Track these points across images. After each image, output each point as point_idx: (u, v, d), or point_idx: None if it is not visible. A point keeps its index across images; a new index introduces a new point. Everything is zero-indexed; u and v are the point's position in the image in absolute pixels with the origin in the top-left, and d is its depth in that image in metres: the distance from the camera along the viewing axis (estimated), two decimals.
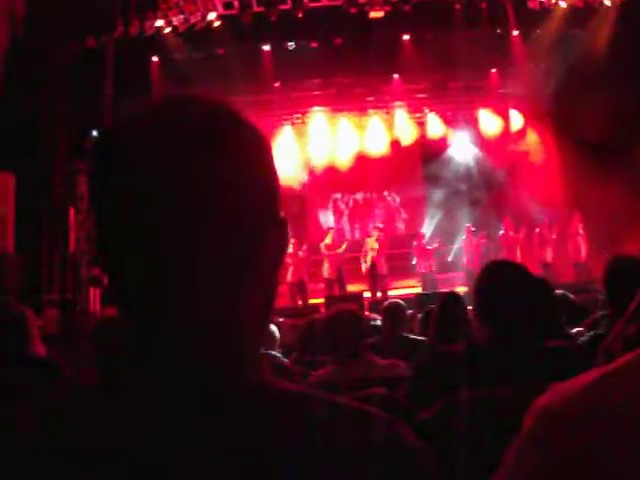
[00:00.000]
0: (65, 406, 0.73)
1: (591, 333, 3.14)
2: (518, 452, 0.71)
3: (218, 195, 0.69)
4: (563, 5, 13.09)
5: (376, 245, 13.47)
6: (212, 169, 0.69)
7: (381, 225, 14.95)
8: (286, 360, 4.28)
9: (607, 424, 0.65)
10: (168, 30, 12.75)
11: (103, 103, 11.63)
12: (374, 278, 13.42)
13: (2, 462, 0.68)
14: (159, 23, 12.48)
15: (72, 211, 10.91)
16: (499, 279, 2.39)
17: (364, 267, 13.51)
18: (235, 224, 0.71)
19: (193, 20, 12.69)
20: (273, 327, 4.58)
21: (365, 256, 13.50)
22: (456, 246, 15.18)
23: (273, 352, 4.20)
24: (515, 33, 14.20)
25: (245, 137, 0.74)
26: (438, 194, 16.42)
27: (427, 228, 16.11)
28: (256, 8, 12.78)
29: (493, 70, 15.32)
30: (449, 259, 15.69)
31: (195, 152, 0.69)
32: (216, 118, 0.73)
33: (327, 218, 16.93)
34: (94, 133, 11.35)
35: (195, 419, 0.69)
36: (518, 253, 13.72)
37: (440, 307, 4.16)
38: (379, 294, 13.07)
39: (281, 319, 6.29)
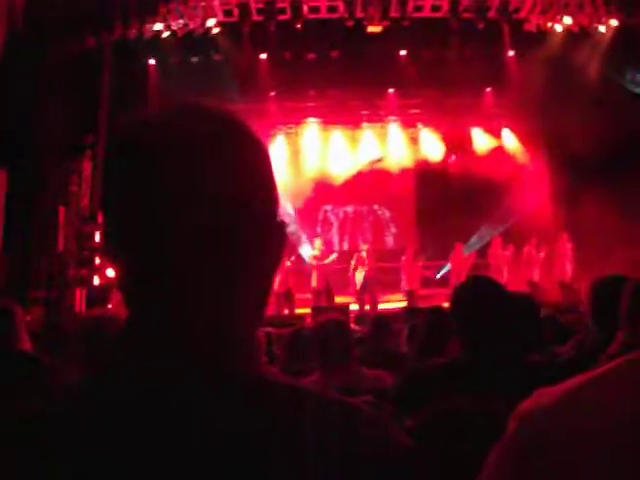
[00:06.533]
0: (72, 402, 0.74)
1: (574, 352, 3.17)
2: (502, 453, 0.74)
3: (222, 201, 0.74)
4: (559, 29, 13.22)
5: (365, 259, 13.50)
6: (218, 177, 0.75)
7: (367, 242, 14.99)
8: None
9: (575, 437, 0.69)
10: (167, 34, 12.77)
11: (99, 104, 11.62)
12: (365, 291, 13.41)
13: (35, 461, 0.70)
14: (158, 27, 12.49)
15: (62, 210, 10.88)
16: (472, 295, 2.42)
17: (357, 282, 13.49)
18: (237, 227, 0.75)
19: (192, 26, 12.72)
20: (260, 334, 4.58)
21: (355, 270, 13.51)
22: (445, 263, 15.20)
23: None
24: (511, 53, 14.34)
25: (249, 147, 0.79)
26: (429, 210, 16.47)
27: (417, 243, 16.13)
28: (255, 17, 12.83)
29: (488, 89, 15.44)
30: (437, 276, 15.73)
31: (204, 160, 0.75)
32: (225, 130, 0.78)
33: (316, 229, 16.93)
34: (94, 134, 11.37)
35: (186, 409, 0.70)
36: (505, 271, 13.77)
37: (425, 322, 4.18)
38: (367, 307, 13.07)
39: (269, 329, 6.29)
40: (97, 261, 10.92)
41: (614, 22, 12.63)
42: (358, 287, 13.47)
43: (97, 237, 10.92)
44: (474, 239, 15.52)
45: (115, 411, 0.71)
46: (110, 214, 0.79)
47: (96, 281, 11.06)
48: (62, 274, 10.55)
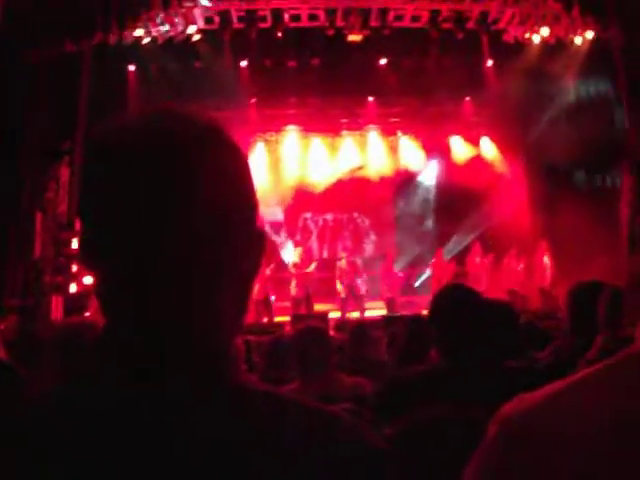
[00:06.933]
0: (46, 409, 0.73)
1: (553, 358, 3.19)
2: (481, 458, 0.74)
3: (202, 207, 0.73)
4: (536, 40, 13.38)
5: (345, 267, 13.52)
6: (197, 183, 0.73)
7: (347, 250, 15.04)
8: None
9: (554, 442, 0.69)
10: (147, 40, 12.72)
11: (77, 109, 11.54)
12: (351, 299, 13.41)
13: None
14: (139, 33, 12.45)
15: (39, 216, 10.77)
16: (450, 303, 2.43)
17: (340, 289, 13.48)
18: (217, 234, 0.74)
19: (173, 32, 12.69)
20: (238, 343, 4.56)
21: (340, 279, 13.51)
22: (426, 270, 15.26)
23: None
24: (489, 63, 14.49)
25: (228, 153, 0.78)
26: (408, 217, 16.57)
27: (396, 251, 16.20)
28: (236, 25, 12.83)
29: (467, 98, 15.57)
30: (416, 284, 15.79)
31: (182, 166, 0.73)
32: (204, 135, 0.77)
33: (296, 237, 16.92)
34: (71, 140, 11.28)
35: (160, 417, 0.70)
36: (484, 279, 13.84)
37: (405, 330, 4.19)
38: (357, 314, 13.07)
39: (248, 336, 6.26)
40: (74, 268, 10.82)
41: (590, 34, 12.81)
42: (347, 296, 13.47)
43: (74, 244, 10.82)
44: (452, 243, 15.59)
45: (90, 419, 0.70)
46: (87, 220, 0.78)
47: (73, 288, 10.95)
48: (38, 281, 10.44)
